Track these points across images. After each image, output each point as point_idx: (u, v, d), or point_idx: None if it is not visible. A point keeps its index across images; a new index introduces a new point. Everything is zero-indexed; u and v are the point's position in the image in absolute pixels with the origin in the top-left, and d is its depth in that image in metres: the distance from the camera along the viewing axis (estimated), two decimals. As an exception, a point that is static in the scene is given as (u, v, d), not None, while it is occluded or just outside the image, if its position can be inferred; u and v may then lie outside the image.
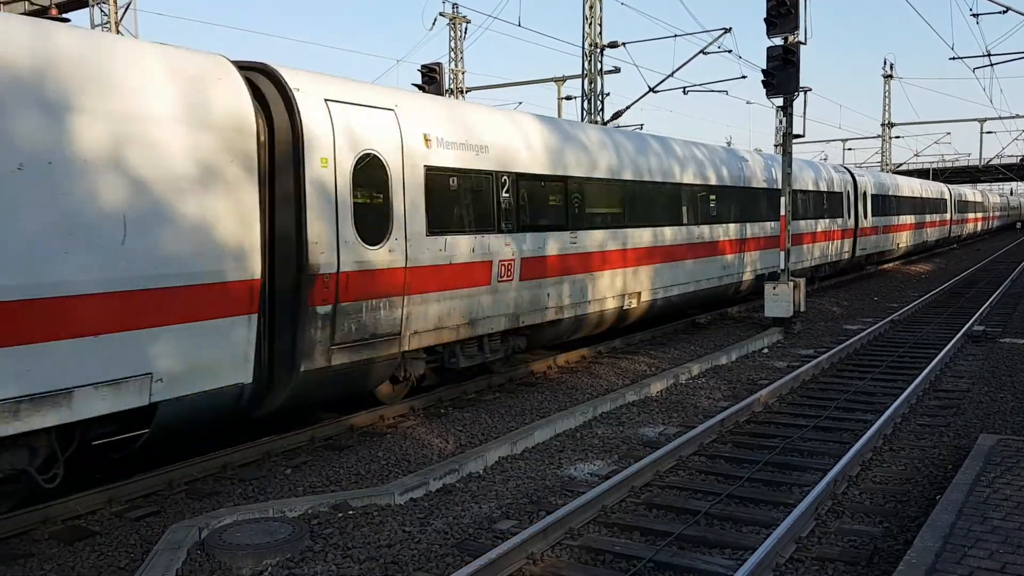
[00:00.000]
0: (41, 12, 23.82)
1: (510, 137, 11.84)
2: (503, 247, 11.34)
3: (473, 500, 7.48)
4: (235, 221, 7.96)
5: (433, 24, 34.49)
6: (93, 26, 22.25)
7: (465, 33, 33.36)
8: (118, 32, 21.97)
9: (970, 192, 57.97)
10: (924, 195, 40.40)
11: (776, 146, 44.80)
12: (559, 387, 12.00)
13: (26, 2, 24.03)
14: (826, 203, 24.84)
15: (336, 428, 9.67)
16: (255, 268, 8.18)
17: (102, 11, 22.48)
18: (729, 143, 56.61)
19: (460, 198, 10.73)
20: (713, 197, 17.48)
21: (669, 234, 15.58)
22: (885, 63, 53.71)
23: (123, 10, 22.36)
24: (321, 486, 7.95)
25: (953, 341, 14.64)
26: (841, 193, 26.24)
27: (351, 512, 7.03)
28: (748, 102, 64.66)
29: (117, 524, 7.04)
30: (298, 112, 8.64)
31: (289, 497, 7.57)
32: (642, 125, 30.48)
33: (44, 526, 6.90)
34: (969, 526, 5.98)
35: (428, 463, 8.55)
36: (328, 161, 8.86)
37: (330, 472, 8.32)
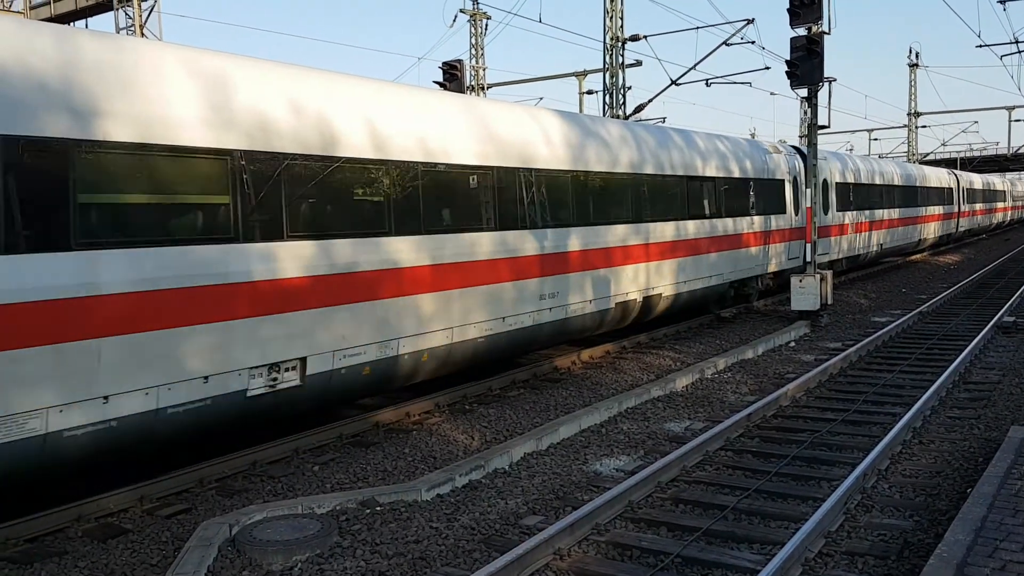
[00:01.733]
0: (65, 18, 24.12)
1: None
2: None
3: (499, 496, 7.51)
4: None
5: (454, 21, 34.34)
6: (118, 29, 22.46)
7: (486, 29, 33.31)
8: (143, 35, 22.19)
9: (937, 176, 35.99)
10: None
11: (801, 137, 44.40)
12: (583, 383, 11.99)
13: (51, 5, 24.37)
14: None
15: (362, 425, 9.73)
16: None
17: (126, 14, 22.71)
18: (753, 135, 56.19)
19: None
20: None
21: None
22: (911, 52, 53.08)
23: (147, 13, 22.57)
24: (349, 483, 8.02)
25: (983, 333, 14.45)
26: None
27: (379, 508, 7.08)
28: (772, 93, 64.09)
29: (149, 522, 7.14)
30: None
31: (317, 494, 7.63)
32: (664, 119, 30.24)
33: (77, 524, 7.01)
34: (1001, 519, 5.90)
35: (454, 459, 8.59)
36: None
37: (357, 469, 8.38)
